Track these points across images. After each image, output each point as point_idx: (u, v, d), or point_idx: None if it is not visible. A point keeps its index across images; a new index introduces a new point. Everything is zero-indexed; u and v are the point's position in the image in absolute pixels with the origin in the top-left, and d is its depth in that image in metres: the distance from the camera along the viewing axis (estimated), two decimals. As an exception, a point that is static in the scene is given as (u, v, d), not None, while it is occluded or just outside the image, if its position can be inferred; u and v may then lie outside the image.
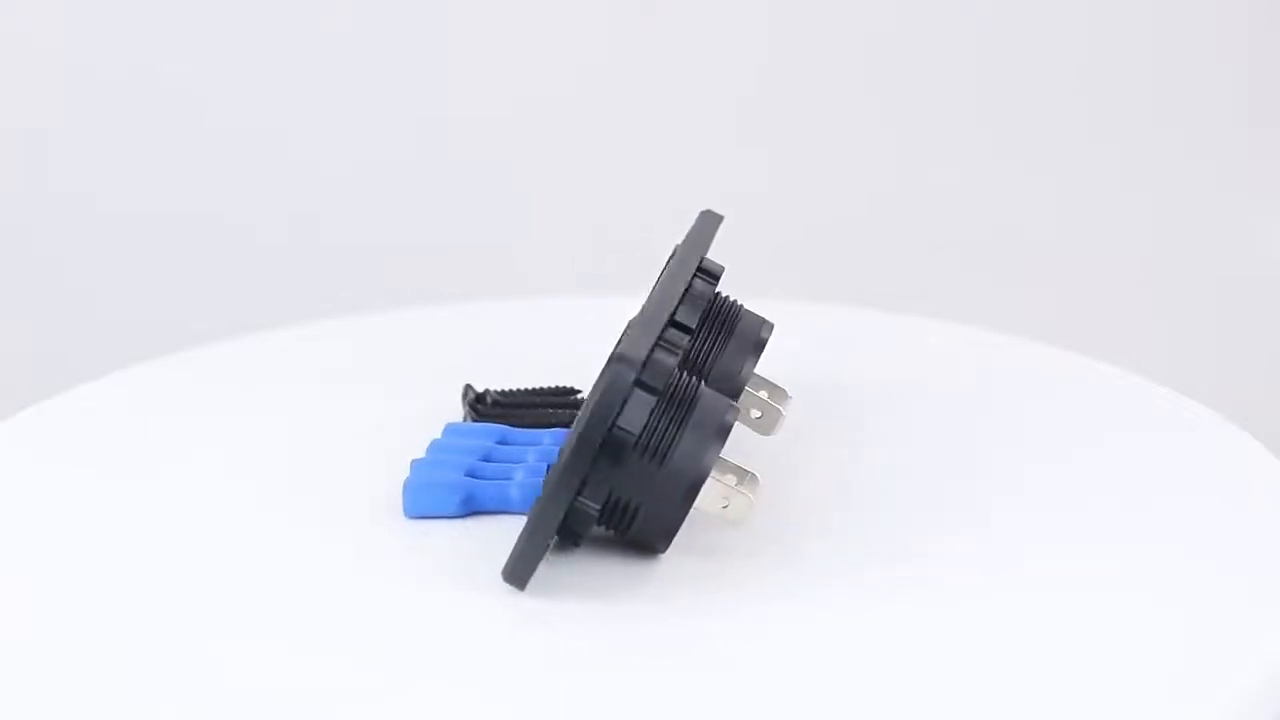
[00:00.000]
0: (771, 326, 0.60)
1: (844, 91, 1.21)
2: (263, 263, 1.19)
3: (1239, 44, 1.22)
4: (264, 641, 0.52)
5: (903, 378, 0.67)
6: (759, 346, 0.59)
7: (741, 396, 0.59)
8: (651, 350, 0.52)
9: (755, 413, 0.59)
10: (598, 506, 0.53)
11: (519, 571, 0.53)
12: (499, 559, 0.53)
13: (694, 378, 0.55)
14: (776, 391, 0.60)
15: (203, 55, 1.18)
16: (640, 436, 0.53)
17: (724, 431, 0.53)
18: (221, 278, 1.18)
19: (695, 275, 0.59)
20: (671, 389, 0.54)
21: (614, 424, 0.52)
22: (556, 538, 0.54)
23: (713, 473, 0.54)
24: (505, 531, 0.55)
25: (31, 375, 1.03)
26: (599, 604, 0.53)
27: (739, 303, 0.60)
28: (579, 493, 0.52)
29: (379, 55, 1.19)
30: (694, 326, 0.57)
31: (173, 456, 0.63)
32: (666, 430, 0.53)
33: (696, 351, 0.59)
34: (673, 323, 0.55)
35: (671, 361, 0.53)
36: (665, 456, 0.53)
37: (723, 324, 0.59)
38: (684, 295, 0.56)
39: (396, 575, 0.55)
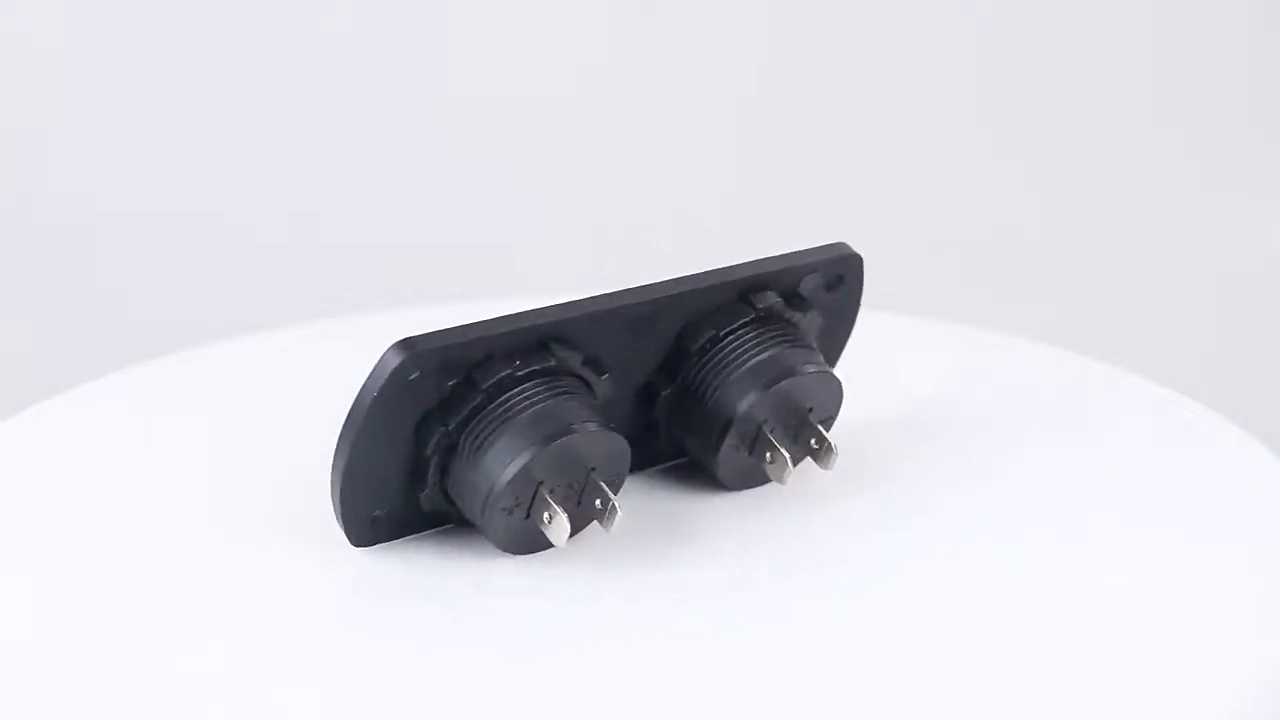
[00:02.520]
0: (834, 383, 0.59)
1: (844, 92, 1.21)
2: (263, 263, 1.19)
3: (1239, 44, 1.22)
4: (263, 640, 0.52)
5: (900, 378, 0.67)
6: (769, 383, 0.57)
7: (736, 431, 0.57)
8: (468, 344, 0.53)
9: (769, 455, 0.58)
10: (425, 489, 0.54)
11: (345, 529, 0.55)
12: (490, 563, 0.53)
13: (553, 392, 0.54)
14: (824, 445, 0.58)
15: (203, 55, 1.18)
16: (460, 432, 0.54)
17: (536, 448, 0.53)
18: (221, 278, 1.18)
19: (742, 295, 0.58)
20: (498, 389, 0.54)
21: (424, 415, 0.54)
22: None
23: (545, 487, 0.54)
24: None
25: (31, 375, 1.03)
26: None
27: (780, 341, 0.58)
28: (422, 482, 0.54)
29: (378, 55, 1.19)
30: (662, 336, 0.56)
31: (172, 456, 0.63)
32: (489, 431, 0.54)
33: (691, 371, 0.58)
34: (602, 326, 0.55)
35: (494, 366, 0.53)
36: (478, 456, 0.53)
37: (735, 354, 0.58)
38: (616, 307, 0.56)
39: (393, 571, 0.55)
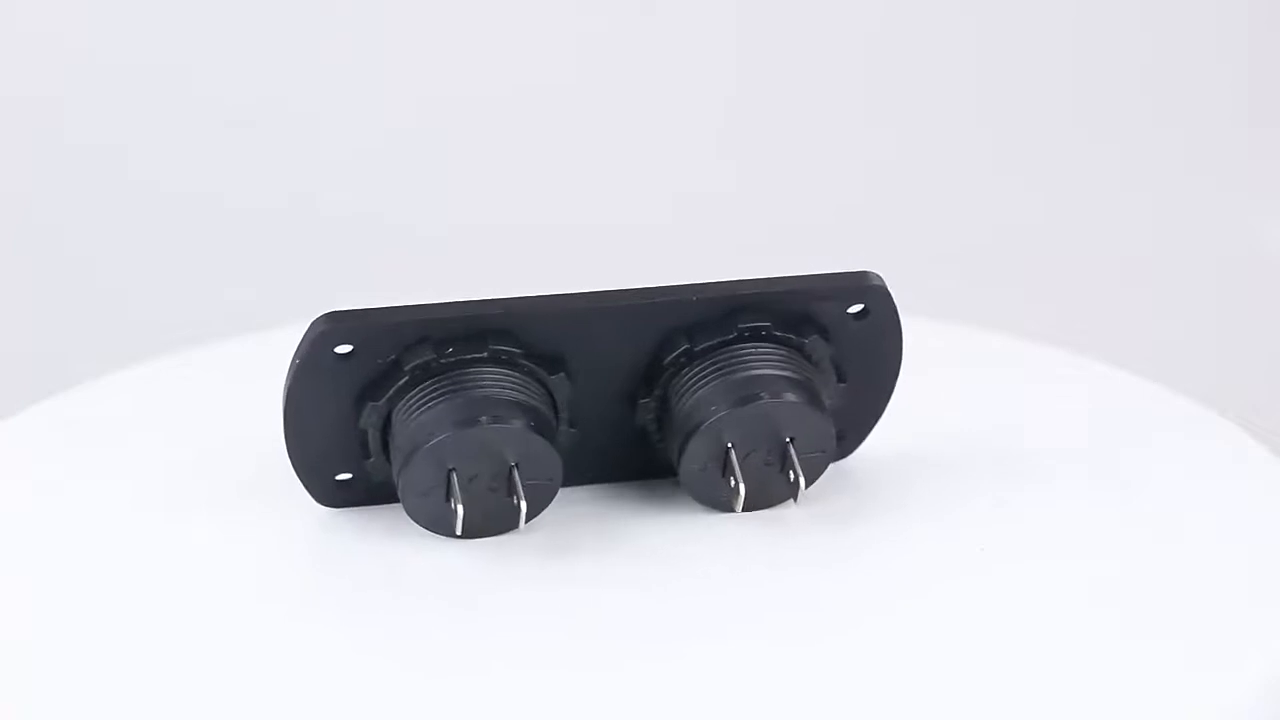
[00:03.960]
0: (819, 417, 0.56)
1: (843, 91, 1.21)
2: (263, 261, 1.19)
3: (1239, 44, 1.22)
4: (264, 639, 0.52)
5: (900, 378, 0.67)
6: (742, 401, 0.55)
7: (702, 449, 0.56)
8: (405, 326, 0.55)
9: (732, 480, 0.56)
10: (371, 458, 0.56)
11: (305, 485, 0.56)
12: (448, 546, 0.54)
13: (488, 383, 0.54)
14: (793, 482, 0.56)
15: (203, 55, 1.18)
16: (389, 408, 0.55)
17: (445, 433, 0.54)
18: (221, 276, 1.18)
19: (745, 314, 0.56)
20: (423, 372, 0.54)
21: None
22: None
23: (458, 474, 0.54)
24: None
25: (31, 375, 1.03)
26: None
27: (761, 363, 0.55)
28: (366, 451, 0.56)
29: (378, 54, 1.19)
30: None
31: (173, 456, 0.63)
32: (411, 411, 0.54)
33: (665, 382, 0.56)
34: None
35: (423, 350, 0.54)
36: (398, 433, 0.55)
37: (706, 371, 0.56)
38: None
39: (392, 570, 0.55)
